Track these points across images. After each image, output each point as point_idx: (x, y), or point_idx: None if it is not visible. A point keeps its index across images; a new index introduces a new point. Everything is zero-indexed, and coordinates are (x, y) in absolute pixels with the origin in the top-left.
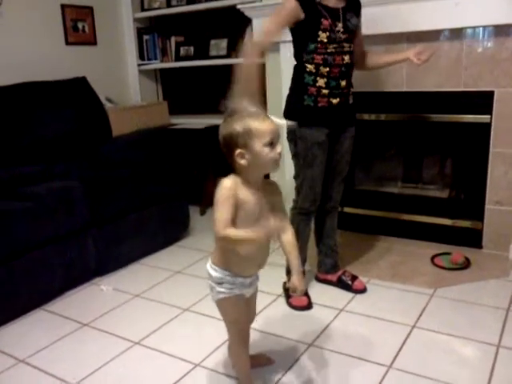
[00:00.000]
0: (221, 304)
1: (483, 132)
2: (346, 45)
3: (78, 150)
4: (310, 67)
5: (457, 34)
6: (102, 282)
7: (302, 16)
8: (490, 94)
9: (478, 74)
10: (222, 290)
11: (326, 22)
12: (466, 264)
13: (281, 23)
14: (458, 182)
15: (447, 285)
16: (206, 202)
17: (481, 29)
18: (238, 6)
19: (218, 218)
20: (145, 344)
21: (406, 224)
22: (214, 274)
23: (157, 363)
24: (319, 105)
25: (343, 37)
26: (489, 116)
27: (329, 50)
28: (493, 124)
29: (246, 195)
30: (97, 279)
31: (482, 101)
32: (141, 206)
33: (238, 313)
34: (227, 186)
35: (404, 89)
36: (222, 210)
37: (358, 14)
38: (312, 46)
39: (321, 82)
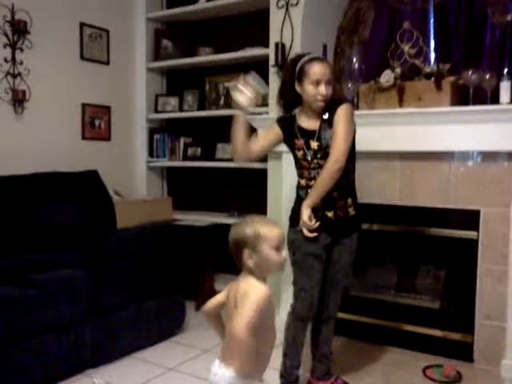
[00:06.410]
0: None
1: (471, 247)
2: (322, 162)
3: (84, 239)
4: (301, 182)
5: (446, 155)
6: (95, 375)
7: (283, 137)
8: (477, 213)
9: (465, 193)
10: None
11: (298, 142)
12: (458, 379)
13: (269, 138)
14: (449, 294)
15: None
16: (203, 297)
17: (469, 152)
18: None
19: (249, 318)
20: None
21: (398, 333)
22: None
23: None
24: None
25: (319, 154)
26: (476, 233)
27: (312, 165)
28: (480, 240)
29: None
30: (90, 371)
31: (470, 218)
32: (139, 298)
33: None
34: (269, 293)
35: (397, 202)
36: (255, 314)
37: (332, 124)
38: (298, 163)
39: None
